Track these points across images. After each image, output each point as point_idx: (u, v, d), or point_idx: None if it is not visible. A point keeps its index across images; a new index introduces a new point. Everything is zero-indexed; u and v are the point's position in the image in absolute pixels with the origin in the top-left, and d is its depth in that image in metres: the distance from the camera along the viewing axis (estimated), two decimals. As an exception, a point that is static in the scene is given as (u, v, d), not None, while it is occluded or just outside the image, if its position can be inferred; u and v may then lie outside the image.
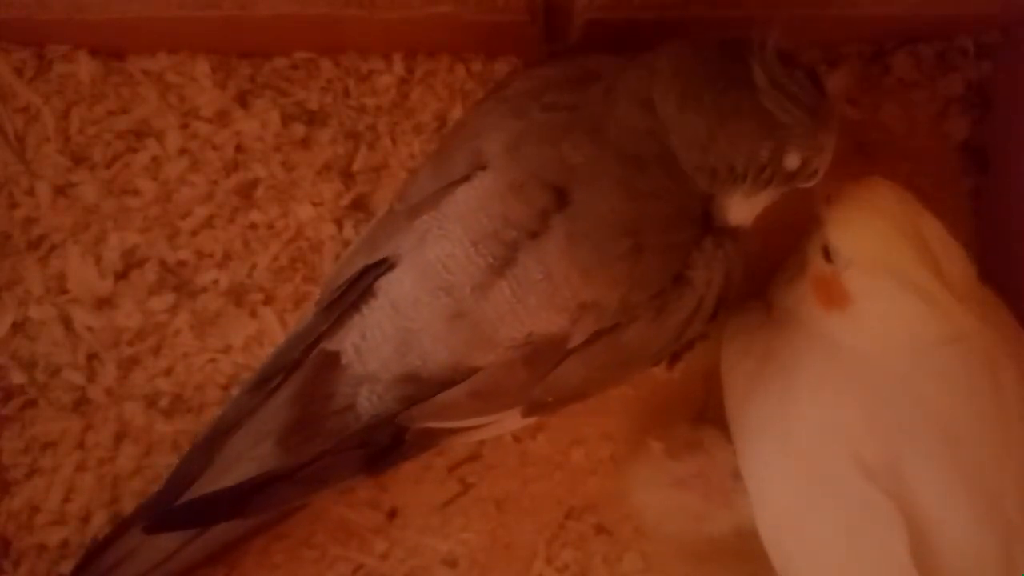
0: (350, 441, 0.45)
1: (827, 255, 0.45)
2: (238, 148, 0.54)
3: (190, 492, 0.46)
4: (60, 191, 0.53)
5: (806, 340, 0.46)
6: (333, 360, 0.45)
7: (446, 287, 0.43)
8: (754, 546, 0.46)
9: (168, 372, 0.53)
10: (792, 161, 0.42)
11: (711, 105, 0.41)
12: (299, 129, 0.54)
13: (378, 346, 0.44)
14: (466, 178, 0.44)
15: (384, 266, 0.45)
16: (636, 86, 0.43)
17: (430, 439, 0.46)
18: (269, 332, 0.53)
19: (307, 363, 0.46)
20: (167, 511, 0.46)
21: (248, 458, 0.45)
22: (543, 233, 0.42)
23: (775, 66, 0.41)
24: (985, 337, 0.44)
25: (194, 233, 0.53)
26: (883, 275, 0.43)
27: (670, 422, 0.52)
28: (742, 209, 0.44)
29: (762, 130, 0.41)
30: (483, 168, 0.44)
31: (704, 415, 0.52)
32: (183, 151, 0.54)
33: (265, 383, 0.46)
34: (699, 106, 0.41)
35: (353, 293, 0.45)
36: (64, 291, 0.53)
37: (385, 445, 0.45)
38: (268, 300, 0.53)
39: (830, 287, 0.45)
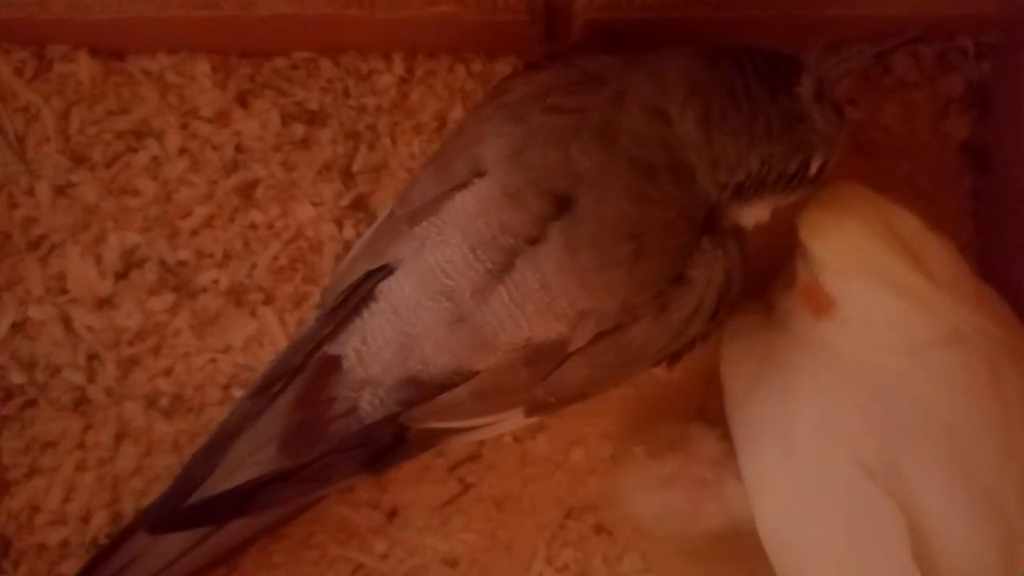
0: (351, 441, 0.45)
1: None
2: (238, 148, 0.54)
3: (194, 497, 0.46)
4: (60, 191, 0.53)
5: (805, 342, 0.46)
6: (335, 364, 0.45)
7: (446, 292, 0.43)
8: (753, 545, 0.46)
9: (168, 372, 0.53)
10: (815, 166, 0.43)
11: (739, 127, 0.41)
12: (299, 129, 0.54)
13: (379, 350, 0.44)
14: (465, 184, 0.44)
15: (385, 271, 0.45)
16: (647, 95, 0.43)
17: (432, 439, 0.46)
18: (269, 332, 0.53)
19: (309, 367, 0.46)
20: (171, 512, 0.46)
21: (251, 463, 0.45)
22: (541, 240, 0.42)
23: (824, 76, 0.42)
24: (985, 335, 0.44)
25: (194, 233, 0.53)
26: (859, 277, 0.43)
27: (668, 422, 0.52)
28: (758, 213, 0.45)
29: (792, 145, 0.42)
30: (482, 175, 0.44)
31: (704, 415, 0.52)
32: (183, 151, 0.54)
33: (267, 388, 0.46)
34: (725, 127, 0.41)
35: (355, 298, 0.45)
36: (64, 291, 0.53)
37: (386, 444, 0.45)
38: (268, 300, 0.53)
39: (816, 294, 0.45)
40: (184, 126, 0.54)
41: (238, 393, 0.52)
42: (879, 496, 0.42)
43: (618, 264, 0.42)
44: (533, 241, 0.42)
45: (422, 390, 0.44)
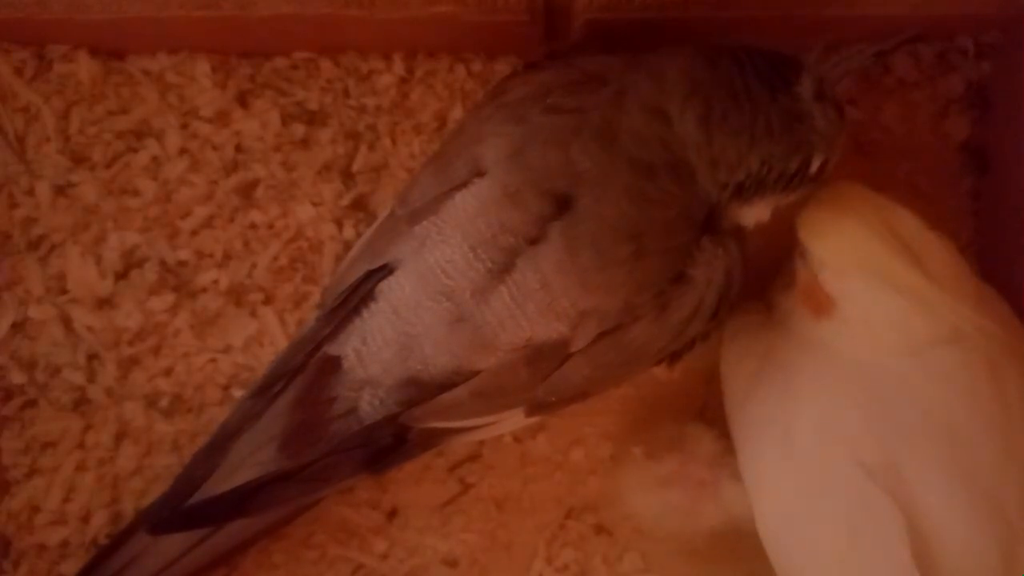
0: (351, 441, 0.45)
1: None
2: (238, 148, 0.54)
3: (194, 497, 0.45)
4: (60, 191, 0.53)
5: (805, 342, 0.46)
6: (335, 364, 0.45)
7: (446, 292, 0.43)
8: (753, 545, 0.46)
9: (168, 372, 0.53)
10: (816, 165, 0.43)
11: (739, 127, 0.41)
12: (299, 129, 0.54)
13: (379, 350, 0.44)
14: (465, 184, 0.44)
15: (385, 271, 0.45)
16: (647, 95, 0.43)
17: (433, 439, 0.46)
18: (269, 332, 0.53)
19: (309, 367, 0.46)
20: (171, 512, 0.46)
21: (251, 463, 0.45)
22: (541, 240, 0.42)
23: (824, 76, 0.42)
24: (984, 334, 0.44)
25: (194, 233, 0.53)
26: (858, 277, 0.43)
27: (667, 422, 0.52)
28: (759, 212, 0.45)
29: (792, 145, 0.42)
30: (482, 175, 0.44)
31: (703, 415, 0.52)
32: (183, 151, 0.54)
33: (268, 388, 0.46)
34: (725, 127, 0.41)
35: (355, 298, 0.45)
36: (64, 291, 0.53)
37: (387, 444, 0.45)
38: (268, 300, 0.53)
39: (815, 293, 0.45)
40: (184, 126, 0.54)
41: (238, 393, 0.52)
42: (879, 496, 0.42)
43: (618, 264, 0.42)
44: (533, 241, 0.42)
45: (422, 390, 0.44)
